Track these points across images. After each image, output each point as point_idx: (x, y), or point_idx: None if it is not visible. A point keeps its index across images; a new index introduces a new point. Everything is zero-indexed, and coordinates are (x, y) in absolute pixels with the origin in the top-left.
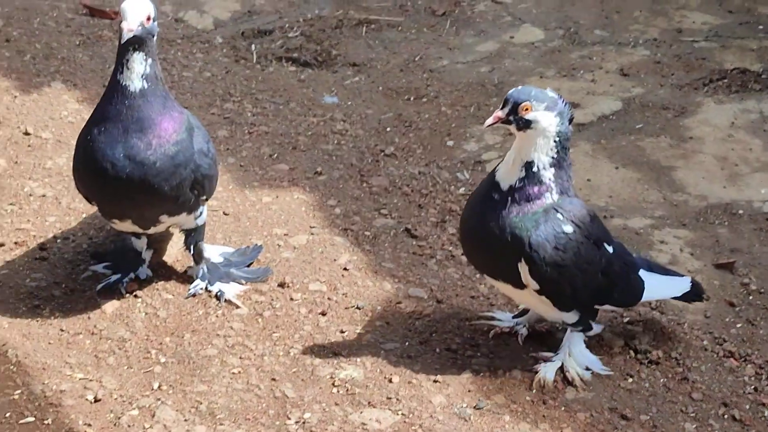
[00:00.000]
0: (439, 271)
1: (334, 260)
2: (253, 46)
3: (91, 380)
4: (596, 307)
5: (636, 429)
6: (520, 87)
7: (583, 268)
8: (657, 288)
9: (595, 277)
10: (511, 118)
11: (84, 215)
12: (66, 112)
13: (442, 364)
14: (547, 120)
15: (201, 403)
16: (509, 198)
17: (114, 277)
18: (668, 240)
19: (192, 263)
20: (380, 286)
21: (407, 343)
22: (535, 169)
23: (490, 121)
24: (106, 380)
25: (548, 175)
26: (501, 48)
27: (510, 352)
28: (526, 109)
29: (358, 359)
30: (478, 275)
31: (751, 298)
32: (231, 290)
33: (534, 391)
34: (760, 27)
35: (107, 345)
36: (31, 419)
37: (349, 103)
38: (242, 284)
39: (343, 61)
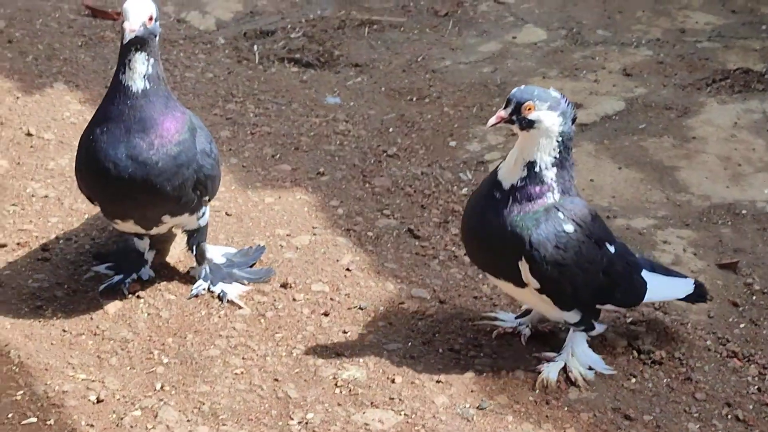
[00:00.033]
0: (441, 272)
1: (337, 261)
2: (255, 47)
3: (93, 381)
4: (598, 306)
5: (639, 429)
6: (523, 87)
7: (584, 267)
8: (660, 289)
9: (596, 276)
10: (514, 117)
11: (86, 216)
12: (68, 113)
13: (444, 365)
14: (550, 120)
15: (204, 404)
16: (511, 197)
17: (116, 278)
18: (671, 240)
19: (194, 264)
20: (383, 286)
21: (410, 344)
22: (537, 168)
23: (492, 120)
24: (108, 381)
25: (550, 174)
26: (503, 48)
27: (513, 352)
28: (529, 109)
29: (361, 360)
30: (481, 275)
31: (754, 298)
32: (233, 291)
33: (537, 391)
34: (763, 27)
35: (110, 346)
36: (34, 420)
37: (352, 103)
38: (245, 285)
39: (345, 62)
